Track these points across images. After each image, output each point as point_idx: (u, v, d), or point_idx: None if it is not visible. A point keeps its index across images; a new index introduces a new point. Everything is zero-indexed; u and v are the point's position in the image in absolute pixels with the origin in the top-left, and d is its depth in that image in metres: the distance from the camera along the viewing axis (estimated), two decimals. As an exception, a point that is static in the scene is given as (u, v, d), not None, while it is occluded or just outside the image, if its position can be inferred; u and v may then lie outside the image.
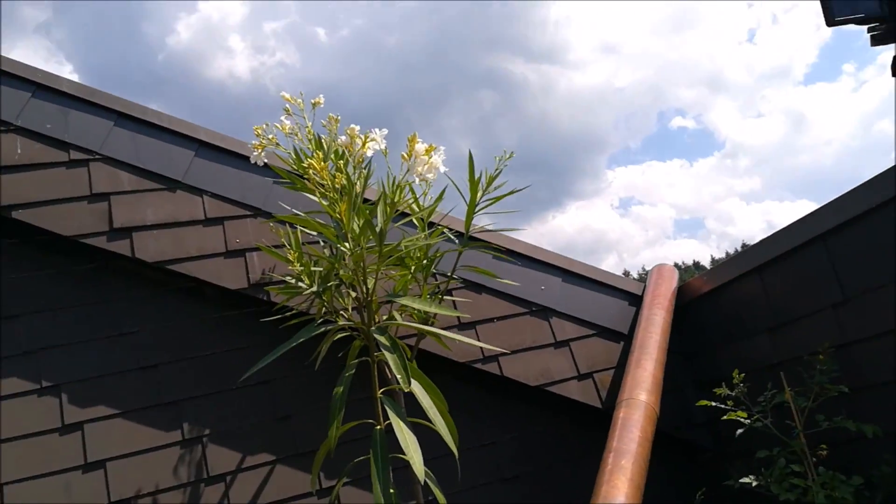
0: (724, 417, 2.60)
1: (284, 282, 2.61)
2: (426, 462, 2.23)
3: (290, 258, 2.51)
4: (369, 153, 2.17)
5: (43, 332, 2.79)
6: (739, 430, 2.59)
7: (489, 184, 2.62)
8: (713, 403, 2.67)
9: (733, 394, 2.64)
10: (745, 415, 2.57)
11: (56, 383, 2.72)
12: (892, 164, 2.45)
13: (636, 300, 3.41)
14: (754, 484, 2.50)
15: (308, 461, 2.81)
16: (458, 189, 2.65)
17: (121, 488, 2.63)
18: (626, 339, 3.30)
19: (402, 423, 2.12)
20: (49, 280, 2.88)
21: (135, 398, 2.77)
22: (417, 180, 2.40)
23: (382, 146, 2.29)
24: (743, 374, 2.67)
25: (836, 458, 2.53)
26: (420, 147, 2.37)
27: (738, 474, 2.59)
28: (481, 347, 3.09)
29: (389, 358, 2.12)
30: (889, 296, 2.46)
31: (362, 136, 2.27)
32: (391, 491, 2.11)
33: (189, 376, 2.86)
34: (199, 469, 2.74)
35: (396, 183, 2.42)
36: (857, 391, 2.58)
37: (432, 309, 2.34)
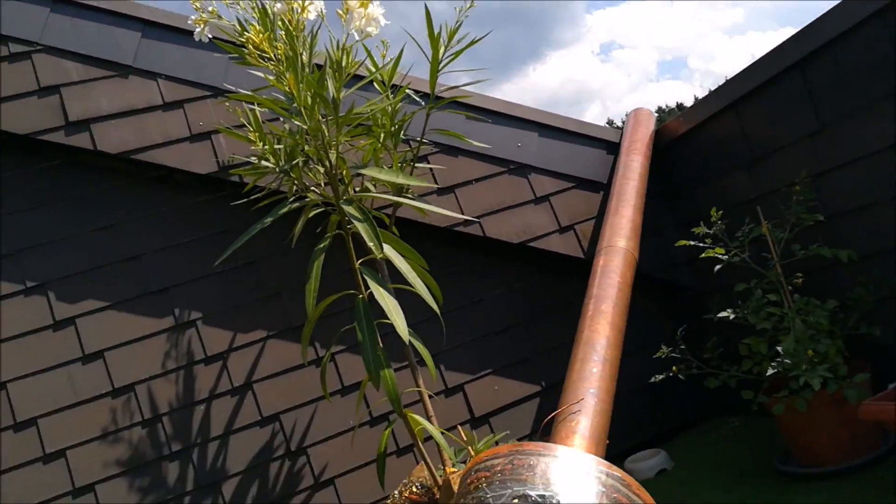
0: (703, 255, 2.63)
1: (250, 163, 2.55)
2: (417, 325, 2.30)
3: (252, 138, 2.44)
4: (311, 16, 2.03)
5: (18, 233, 2.76)
6: (718, 267, 2.64)
7: (451, 38, 2.49)
8: (692, 242, 2.69)
9: (711, 231, 2.66)
10: (722, 251, 2.60)
11: (41, 282, 2.73)
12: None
13: (614, 148, 3.36)
14: (732, 316, 2.57)
15: (300, 335, 2.88)
16: (420, 46, 2.53)
17: (122, 375, 2.72)
18: (605, 188, 3.29)
19: (382, 290, 2.15)
20: (14, 181, 2.81)
21: (122, 289, 2.79)
22: (357, 36, 2.24)
23: (321, 6, 2.14)
24: (721, 212, 2.68)
25: (812, 286, 2.59)
26: (353, 2, 2.20)
27: (717, 308, 2.67)
28: (461, 209, 3.08)
29: (360, 227, 2.11)
30: (864, 120, 2.42)
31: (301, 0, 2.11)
32: (379, 354, 2.17)
33: (173, 264, 2.86)
34: (196, 351, 2.82)
35: (342, 45, 2.27)
36: (832, 218, 2.60)
37: (400, 180, 2.29)
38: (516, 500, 1.55)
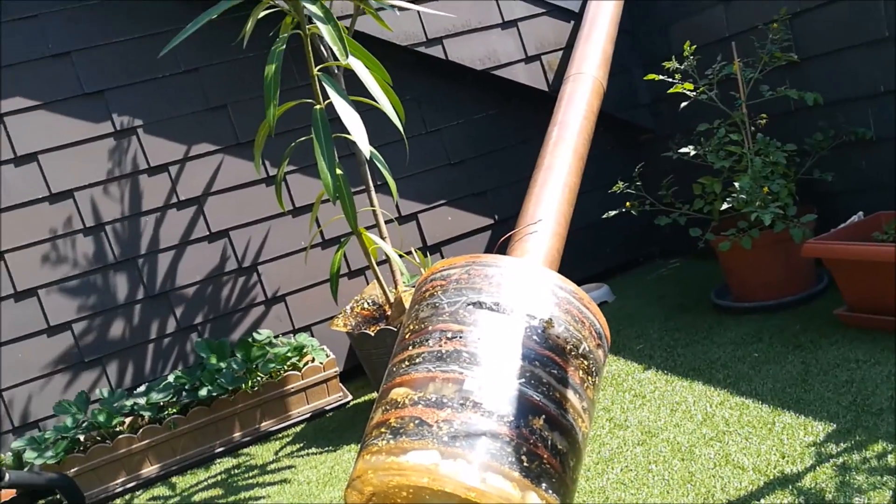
0: (671, 91, 2.57)
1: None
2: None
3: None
4: None
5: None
6: (684, 104, 2.59)
7: None
8: (661, 77, 2.62)
9: (682, 67, 2.58)
10: (691, 87, 2.54)
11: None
12: None
13: (591, -25, 3.16)
14: (692, 153, 2.57)
15: (251, 151, 2.77)
16: None
17: (58, 180, 2.59)
18: (576, 17, 3.13)
19: (342, 100, 2.03)
20: None
21: (55, 89, 2.58)
22: None
23: None
24: (694, 47, 2.59)
25: (774, 128, 2.59)
26: None
27: (678, 148, 2.66)
28: (424, 30, 2.90)
29: (323, 29, 1.95)
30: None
31: None
32: (337, 170, 2.10)
33: (107, 63, 2.64)
34: (136, 161, 2.68)
35: None
36: (802, 62, 2.56)
37: (364, -18, 2.10)
38: (471, 306, 1.57)
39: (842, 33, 2.43)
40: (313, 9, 1.98)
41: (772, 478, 1.57)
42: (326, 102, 2.13)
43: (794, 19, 2.54)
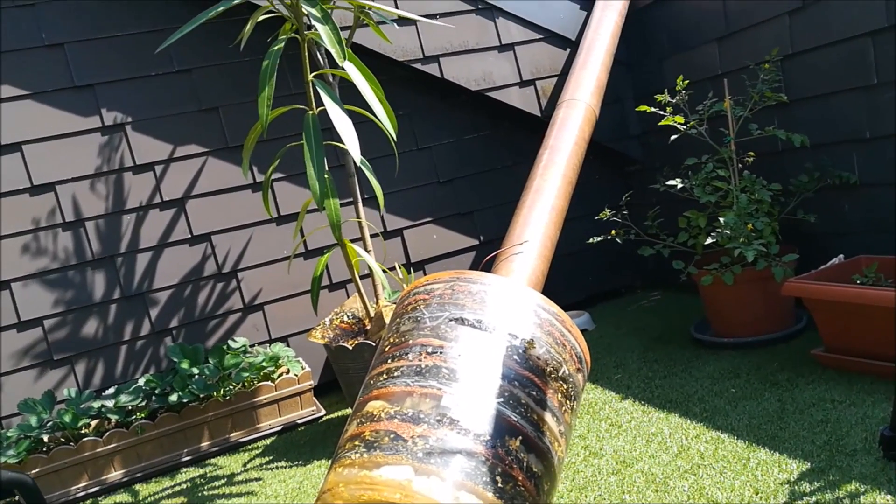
0: (661, 123, 2.60)
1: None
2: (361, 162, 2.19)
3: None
4: None
5: None
6: (674, 137, 2.61)
7: None
8: (653, 109, 2.65)
9: (674, 101, 2.61)
10: (682, 120, 2.57)
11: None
12: None
13: (588, 4, 3.20)
14: (679, 186, 2.59)
15: (239, 155, 2.74)
16: None
17: (41, 172, 2.54)
18: (573, 45, 3.16)
19: (336, 106, 2.02)
20: None
21: (45, 79, 2.55)
22: None
23: None
24: (687, 81, 2.62)
25: (761, 166, 2.62)
26: None
27: (665, 180, 2.68)
28: (422, 46, 2.91)
29: (322, 31, 1.95)
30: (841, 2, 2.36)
31: None
32: (326, 176, 2.08)
33: (100, 58, 2.61)
34: (122, 159, 2.64)
35: None
36: (793, 102, 2.60)
37: (364, -5, 2.10)
38: (453, 322, 1.55)
39: (831, 78, 2.47)
40: (312, 11, 1.97)
41: (745, 513, 1.55)
42: (319, 109, 2.12)
43: (786, 61, 2.58)
